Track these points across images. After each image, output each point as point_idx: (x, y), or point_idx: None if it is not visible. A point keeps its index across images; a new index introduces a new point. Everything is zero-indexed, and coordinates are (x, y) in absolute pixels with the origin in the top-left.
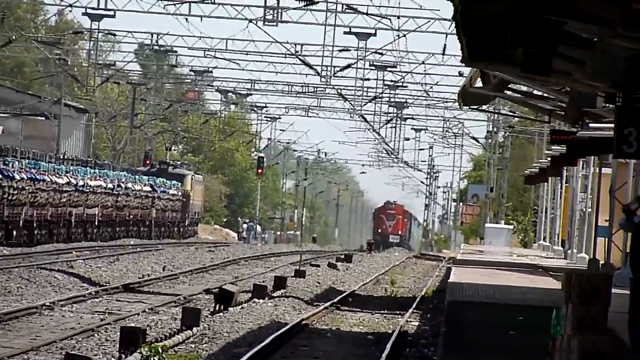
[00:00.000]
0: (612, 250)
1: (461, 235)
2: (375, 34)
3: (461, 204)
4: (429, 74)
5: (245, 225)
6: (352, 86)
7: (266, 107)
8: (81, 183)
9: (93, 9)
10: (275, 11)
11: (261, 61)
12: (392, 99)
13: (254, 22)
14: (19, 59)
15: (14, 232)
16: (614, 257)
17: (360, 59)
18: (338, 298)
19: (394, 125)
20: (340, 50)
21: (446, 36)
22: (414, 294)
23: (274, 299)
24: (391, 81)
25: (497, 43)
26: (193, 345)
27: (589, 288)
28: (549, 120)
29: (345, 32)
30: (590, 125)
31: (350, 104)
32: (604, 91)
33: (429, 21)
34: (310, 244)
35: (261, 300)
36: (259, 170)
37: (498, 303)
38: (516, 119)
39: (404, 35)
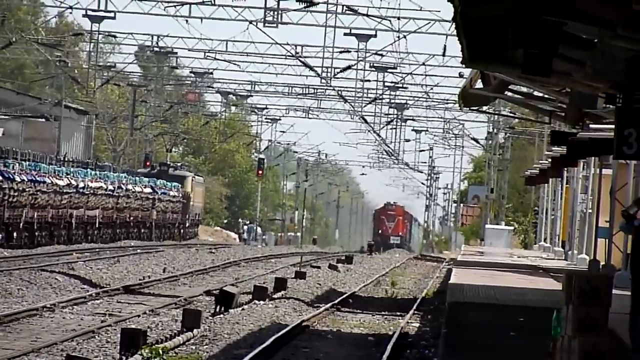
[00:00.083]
0: (612, 251)
1: (462, 236)
2: (375, 36)
3: (462, 205)
4: (429, 75)
5: (245, 227)
6: (353, 87)
7: (266, 108)
8: (82, 185)
9: (93, 10)
10: (276, 13)
11: (261, 63)
12: (392, 101)
13: (254, 23)
14: (19, 61)
15: (15, 234)
16: (614, 258)
17: (361, 61)
18: (339, 299)
19: (394, 126)
20: (340, 52)
21: (446, 37)
22: (415, 295)
23: (275, 300)
24: (391, 82)
25: (497, 44)
26: (194, 347)
27: (590, 289)
28: (549, 121)
29: (345, 34)
30: (591, 126)
31: (351, 105)
32: (604, 92)
33: (429, 22)
34: (311, 245)
35: (262, 302)
36: (260, 172)
37: (499, 304)
38: (516, 120)
39: (404, 37)
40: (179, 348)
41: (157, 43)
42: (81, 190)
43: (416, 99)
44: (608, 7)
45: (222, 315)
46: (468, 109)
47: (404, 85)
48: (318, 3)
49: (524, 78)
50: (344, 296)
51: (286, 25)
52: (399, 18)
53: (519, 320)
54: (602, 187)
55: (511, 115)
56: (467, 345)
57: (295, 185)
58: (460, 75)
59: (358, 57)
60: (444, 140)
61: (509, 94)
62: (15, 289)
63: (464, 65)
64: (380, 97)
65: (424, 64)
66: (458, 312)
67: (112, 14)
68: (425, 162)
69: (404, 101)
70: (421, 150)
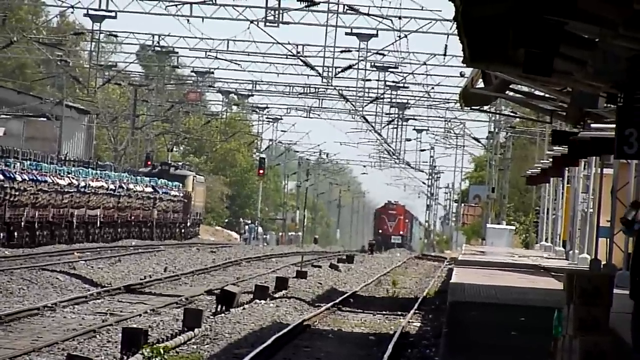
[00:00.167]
0: (613, 250)
1: (463, 235)
2: (376, 35)
3: (463, 204)
4: (430, 74)
5: (247, 227)
6: (354, 87)
7: (267, 108)
8: (83, 184)
9: (94, 10)
10: (277, 12)
11: (262, 62)
12: (393, 100)
13: (255, 23)
14: (20, 61)
15: (16, 233)
16: (615, 258)
17: (362, 60)
18: (340, 299)
19: (395, 126)
20: (341, 51)
21: (447, 37)
22: (416, 295)
23: (276, 299)
24: (392, 82)
25: (498, 44)
26: (195, 346)
27: (591, 288)
28: (551, 120)
29: (346, 33)
30: (592, 125)
31: (352, 104)
32: (606, 91)
33: (430, 22)
34: (312, 244)
35: (263, 301)
36: (261, 171)
37: (500, 304)
38: (517, 119)
39: (405, 36)
40: (180, 347)
41: (158, 42)
42: (82, 190)
43: (417, 98)
44: (609, 6)
45: (223, 315)
46: (469, 108)
47: (405, 85)
48: (319, 2)
49: (525, 77)
50: (345, 295)
51: (287, 25)
52: (400, 17)
53: (520, 319)
54: (603, 186)
55: (512, 114)
56: (468, 344)
57: (296, 184)
58: (462, 75)
59: (359, 56)
60: (445, 139)
61: (510, 93)
62: (16, 288)
63: (465, 65)
64: (382, 96)
65: (425, 63)
66: (459, 312)
67: (113, 14)
68: (426, 162)
69: (405, 101)
70: (422, 150)
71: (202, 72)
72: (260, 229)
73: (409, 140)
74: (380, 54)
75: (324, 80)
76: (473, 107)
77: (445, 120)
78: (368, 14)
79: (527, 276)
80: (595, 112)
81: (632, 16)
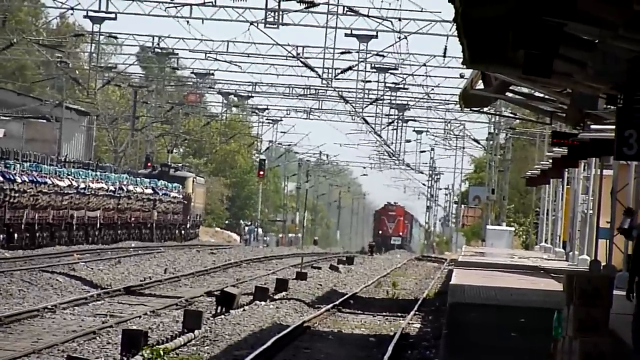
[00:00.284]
0: (613, 251)
1: (463, 237)
2: (376, 36)
3: (463, 206)
4: (430, 76)
5: (246, 228)
6: (354, 88)
7: (267, 109)
8: (83, 186)
9: (94, 11)
10: (277, 13)
11: (262, 63)
12: (393, 101)
13: (255, 24)
14: (20, 62)
15: (16, 235)
16: (615, 259)
17: (362, 61)
18: (340, 300)
19: (395, 127)
20: (341, 53)
21: (447, 38)
22: (416, 296)
23: (276, 301)
24: (392, 83)
25: (498, 45)
26: (195, 348)
27: (591, 290)
28: (550, 122)
29: (346, 35)
30: (592, 127)
31: (352, 106)
32: (605, 93)
33: (430, 23)
34: (312, 246)
35: (263, 303)
36: (261, 173)
37: (499, 305)
38: (517, 120)
39: (405, 38)
40: (180, 349)
41: (158, 44)
42: (82, 191)
43: (417, 99)
44: (609, 7)
45: (223, 316)
46: (469, 109)
47: (405, 86)
48: (319, 4)
49: (524, 79)
50: (345, 297)
51: (287, 26)
52: (399, 19)
53: (520, 320)
54: (603, 187)
55: (512, 116)
56: (468, 345)
57: (296, 186)
58: (461, 76)
59: (359, 58)
60: (445, 141)
61: (510, 94)
62: (16, 290)
63: (464, 66)
64: (381, 98)
65: (424, 64)
66: (459, 313)
67: (113, 15)
68: (426, 163)
69: (404, 102)
70: (422, 151)
71: (202, 74)
72: (260, 231)
73: (409, 141)
74: (380, 55)
75: (324, 81)
76: (473, 109)
77: (445, 122)
78: (368, 16)
79: (527, 277)
80: (595, 114)
81: (632, 17)
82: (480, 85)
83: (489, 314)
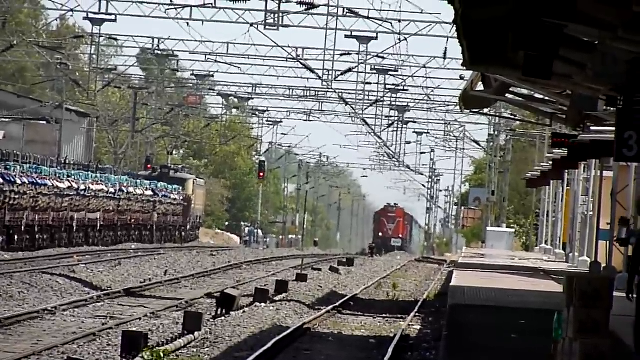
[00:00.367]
0: (613, 253)
1: (463, 238)
2: (376, 38)
3: (463, 207)
4: (430, 77)
5: (247, 230)
6: (354, 90)
7: (267, 111)
8: (83, 187)
9: (94, 13)
10: (277, 15)
11: (262, 65)
12: (393, 103)
13: (255, 26)
14: (20, 64)
15: (16, 237)
16: (615, 260)
17: (362, 63)
18: (340, 302)
19: (395, 128)
20: (341, 54)
21: (447, 40)
22: (416, 298)
23: (276, 303)
24: (392, 85)
25: (498, 46)
26: (195, 350)
27: (591, 291)
28: (550, 123)
29: (346, 36)
30: (592, 128)
31: (352, 107)
32: (605, 94)
33: (430, 25)
34: (312, 247)
35: (263, 304)
36: (261, 174)
37: (500, 306)
38: (517, 122)
39: (405, 39)
40: (180, 351)
41: (158, 46)
42: (82, 193)
43: (417, 101)
44: (609, 9)
45: (223, 318)
46: (469, 111)
47: (405, 88)
48: (319, 5)
49: (524, 80)
50: (345, 299)
51: (287, 28)
52: (399, 20)
53: (520, 322)
54: (603, 189)
55: (512, 117)
56: (468, 347)
57: (296, 187)
58: (461, 78)
59: (359, 59)
60: (445, 142)
61: (510, 96)
62: (16, 291)
63: (464, 68)
64: (381, 99)
65: (424, 66)
66: (459, 315)
67: (113, 17)
68: (426, 165)
69: (405, 103)
70: (422, 153)
71: (202, 75)
72: (260, 232)
73: (409, 143)
74: (380, 57)
75: (324, 83)
76: (473, 110)
77: (445, 123)
78: (368, 17)
79: (527, 279)
80: (594, 115)
81: (631, 19)
82: (480, 86)
83: (489, 315)
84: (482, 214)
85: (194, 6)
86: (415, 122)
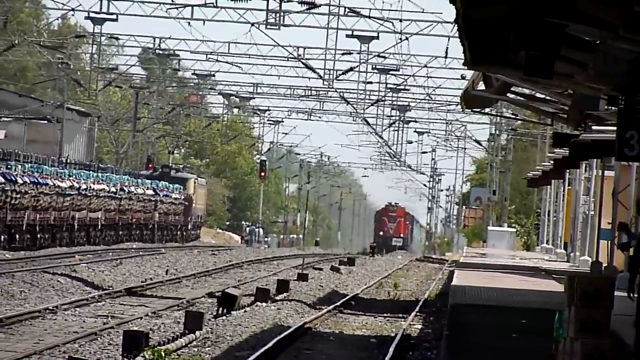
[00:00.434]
0: (614, 253)
1: (464, 238)
2: (377, 37)
3: (464, 207)
4: (431, 77)
5: (248, 229)
6: (355, 89)
7: (269, 110)
8: (84, 187)
9: (95, 12)
10: (278, 15)
11: (264, 64)
12: (394, 102)
13: (257, 25)
14: (21, 63)
15: (17, 236)
16: (616, 260)
17: (363, 62)
18: (341, 301)
19: (396, 128)
20: (342, 54)
21: (448, 39)
22: (417, 297)
23: (277, 302)
24: (394, 84)
25: (499, 46)
26: (196, 349)
27: (592, 291)
28: (552, 123)
29: (347, 36)
30: (593, 128)
31: (353, 107)
32: (607, 94)
33: (432, 24)
34: (313, 247)
35: (264, 304)
36: (262, 174)
37: (501, 306)
38: (519, 121)
39: (407, 39)
40: (181, 350)
41: (159, 45)
42: (83, 192)
43: (418, 100)
44: (610, 8)
45: (224, 317)
46: (470, 110)
47: (406, 87)
48: (320, 5)
49: (526, 80)
50: (346, 298)
51: (288, 27)
52: (401, 20)
53: (521, 322)
54: (605, 188)
55: (513, 117)
56: (469, 346)
57: (297, 187)
58: (463, 77)
59: (360, 59)
60: (446, 142)
61: (511, 95)
62: (17, 291)
63: (466, 67)
64: (383, 99)
65: (426, 65)
66: (460, 314)
67: (114, 16)
68: (427, 164)
69: (406, 103)
70: (423, 152)
71: (203, 75)
72: (261, 232)
73: (410, 142)
74: (381, 56)
75: (325, 82)
76: (474, 110)
77: (446, 123)
78: (369, 17)
79: (528, 278)
80: (596, 115)
81: (632, 18)
82: (481, 86)
83: (490, 315)
84: (483, 214)
85: (195, 5)
86: (416, 122)
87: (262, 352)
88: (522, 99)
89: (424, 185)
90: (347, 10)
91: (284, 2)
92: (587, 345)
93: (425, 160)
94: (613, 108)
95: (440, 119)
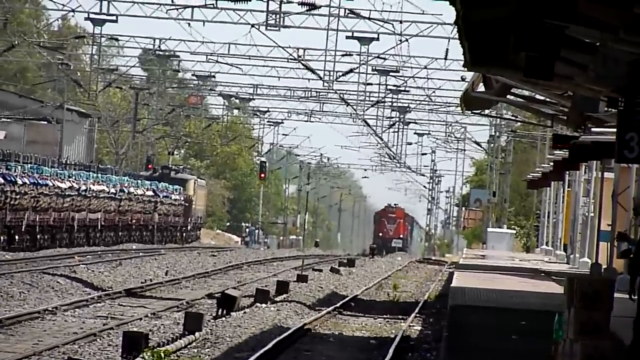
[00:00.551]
0: (614, 254)
1: (464, 239)
2: (377, 39)
3: (464, 208)
4: (431, 78)
5: (248, 230)
6: (355, 91)
7: (268, 111)
8: (84, 187)
9: (96, 13)
10: (278, 16)
11: (264, 66)
12: (394, 104)
13: (257, 26)
14: (21, 64)
15: (17, 237)
16: (616, 262)
17: (363, 64)
18: (340, 303)
19: (396, 129)
20: (342, 55)
21: (449, 41)
22: (417, 299)
23: (277, 303)
24: (394, 86)
25: (499, 47)
26: (195, 350)
27: (591, 292)
28: (552, 124)
29: (347, 37)
30: (593, 129)
31: (353, 108)
32: (607, 96)
33: (432, 26)
34: (313, 248)
35: (264, 305)
36: (262, 175)
37: (500, 307)
38: (518, 123)
39: (407, 40)
40: (180, 351)
41: (159, 46)
42: (83, 193)
43: (418, 102)
44: (610, 10)
45: (224, 318)
46: (470, 112)
47: (406, 89)
48: (320, 6)
49: (526, 81)
50: (346, 299)
51: (288, 29)
52: (401, 21)
53: (520, 323)
54: (604, 190)
55: (513, 118)
56: (468, 348)
57: (297, 188)
58: (463, 79)
59: (360, 60)
60: (446, 143)
61: (511, 97)
62: (17, 291)
63: (466, 69)
64: (383, 100)
65: (426, 67)
66: (460, 316)
67: (114, 17)
68: (427, 166)
69: (406, 104)
70: (423, 154)
71: (203, 76)
72: (261, 233)
73: (410, 144)
74: (381, 57)
75: (325, 84)
76: (474, 111)
77: (446, 124)
78: (369, 18)
79: (528, 280)
80: (596, 116)
81: (632, 20)
82: (481, 87)
83: (489, 316)
84: (483, 215)
85: (195, 7)
86: (416, 123)
87: (261, 353)
88: (522, 100)
89: (424, 186)
90: (347, 11)
91: (284, 3)
92: (587, 347)
93: (425, 162)
94: (613, 110)
95: (440, 121)
